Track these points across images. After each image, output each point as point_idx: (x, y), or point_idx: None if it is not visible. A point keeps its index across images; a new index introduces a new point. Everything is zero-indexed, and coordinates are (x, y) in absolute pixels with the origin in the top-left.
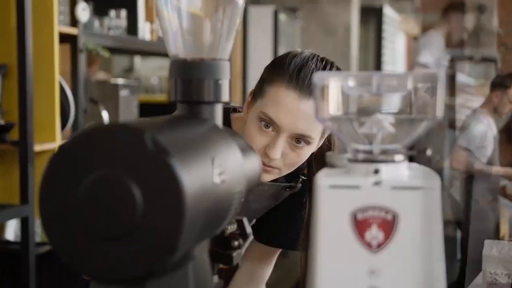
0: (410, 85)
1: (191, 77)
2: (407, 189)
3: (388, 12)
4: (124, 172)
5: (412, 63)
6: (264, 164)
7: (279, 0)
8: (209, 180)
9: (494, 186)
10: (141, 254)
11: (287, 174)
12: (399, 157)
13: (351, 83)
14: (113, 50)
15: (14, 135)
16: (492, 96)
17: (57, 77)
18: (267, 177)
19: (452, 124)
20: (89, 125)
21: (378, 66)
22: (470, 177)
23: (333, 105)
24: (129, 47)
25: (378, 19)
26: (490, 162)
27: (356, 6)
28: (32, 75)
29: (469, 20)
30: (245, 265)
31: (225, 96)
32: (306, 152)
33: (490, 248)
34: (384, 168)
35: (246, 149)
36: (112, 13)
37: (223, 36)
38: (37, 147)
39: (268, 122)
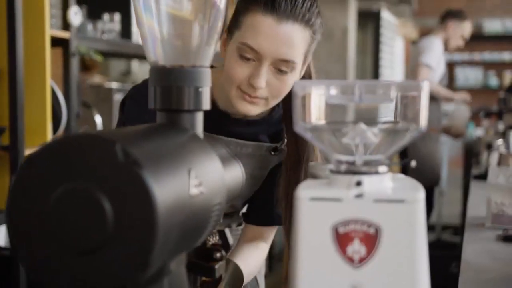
0: (393, 94)
1: (171, 84)
2: (390, 202)
3: (386, 16)
4: (94, 184)
5: (412, 63)
6: (249, 95)
7: None
8: (185, 192)
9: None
10: (112, 269)
11: (271, 136)
12: (382, 168)
13: (333, 92)
14: (107, 54)
15: (4, 139)
16: (447, 27)
17: (49, 81)
18: (254, 109)
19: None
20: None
21: (376, 70)
22: None
23: (315, 114)
24: (122, 51)
25: (376, 23)
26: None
27: (353, 10)
28: (23, 79)
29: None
30: (240, 248)
31: (205, 104)
32: (290, 79)
33: (496, 176)
34: (366, 180)
35: (227, 158)
36: (106, 16)
37: (203, 42)
38: (28, 152)
39: (248, 52)
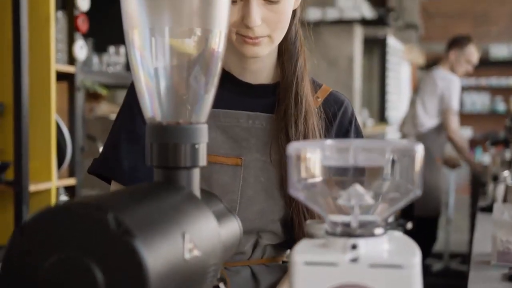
0: (387, 157)
1: (167, 141)
2: (386, 267)
3: (392, 42)
4: (86, 254)
5: (423, 93)
6: (250, 37)
7: None
8: (179, 258)
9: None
10: None
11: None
12: (378, 230)
13: (327, 153)
14: (113, 86)
15: (9, 174)
16: (449, 55)
17: (54, 116)
18: (261, 50)
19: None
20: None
21: (382, 96)
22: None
23: (309, 175)
24: (128, 83)
25: (382, 50)
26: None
27: (359, 37)
28: (28, 114)
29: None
30: None
31: (202, 160)
32: (286, 6)
33: (501, 212)
34: (362, 243)
35: (224, 213)
36: (112, 49)
37: (200, 98)
38: (33, 187)
39: None
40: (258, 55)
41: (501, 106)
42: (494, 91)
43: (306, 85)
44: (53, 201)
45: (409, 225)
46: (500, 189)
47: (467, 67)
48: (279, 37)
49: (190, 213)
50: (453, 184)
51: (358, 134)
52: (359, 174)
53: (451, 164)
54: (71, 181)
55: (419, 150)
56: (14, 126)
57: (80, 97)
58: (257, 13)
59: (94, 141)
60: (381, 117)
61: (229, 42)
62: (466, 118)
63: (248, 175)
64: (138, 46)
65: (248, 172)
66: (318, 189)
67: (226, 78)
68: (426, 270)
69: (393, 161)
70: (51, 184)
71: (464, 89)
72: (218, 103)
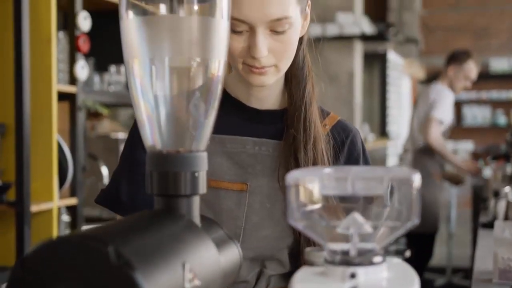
0: (385, 186)
1: (167, 170)
2: None
3: (392, 57)
4: (87, 286)
5: (419, 109)
6: (256, 67)
7: None
8: None
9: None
10: None
11: None
12: (377, 258)
13: (326, 182)
14: (114, 104)
15: (10, 195)
16: (448, 70)
17: (55, 136)
18: (268, 79)
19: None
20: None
21: (383, 110)
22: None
23: (307, 204)
24: (129, 102)
25: (382, 64)
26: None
27: (359, 53)
28: (30, 134)
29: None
30: None
31: (202, 188)
32: (292, 35)
33: (502, 230)
34: (361, 272)
35: (224, 240)
36: (112, 68)
37: (200, 126)
38: (34, 208)
39: (238, 26)
40: (264, 84)
41: (502, 119)
42: (495, 104)
43: (314, 110)
44: (54, 221)
45: (408, 253)
46: (501, 205)
47: (466, 83)
48: (285, 66)
49: (190, 242)
50: (455, 198)
51: (367, 164)
52: (358, 203)
53: (455, 181)
54: (72, 201)
55: (417, 179)
56: (16, 146)
57: (81, 116)
58: (263, 43)
59: (95, 160)
60: (382, 132)
61: (235, 69)
62: (467, 131)
63: (254, 201)
64: (138, 76)
65: (254, 198)
66: (317, 218)
67: (233, 104)
68: (429, 285)
69: (391, 190)
70: (52, 204)
71: (465, 102)
72: (225, 129)
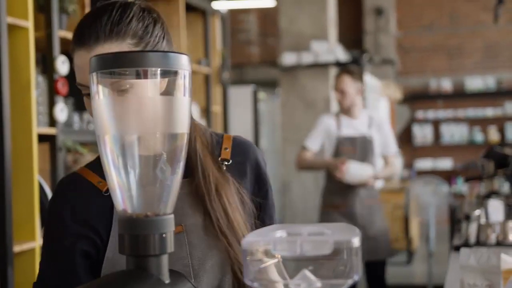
0: (329, 249)
1: (137, 233)
2: None
3: (369, 79)
4: None
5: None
6: None
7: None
8: None
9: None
10: None
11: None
12: None
13: (277, 246)
14: (94, 143)
15: None
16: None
17: (36, 177)
18: None
19: None
20: None
21: None
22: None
23: (262, 264)
24: None
25: None
26: None
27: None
28: (11, 176)
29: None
30: None
31: (170, 247)
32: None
33: (467, 257)
34: None
35: None
36: None
37: (167, 191)
38: (17, 248)
39: (86, 90)
40: None
41: (479, 137)
42: (472, 122)
43: (208, 160)
44: (37, 260)
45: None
46: (473, 228)
47: (337, 96)
48: None
49: None
50: (433, 217)
51: (265, 178)
52: (308, 261)
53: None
54: None
55: (356, 241)
56: None
57: (61, 157)
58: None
59: None
60: None
61: None
62: (445, 149)
63: (193, 238)
64: (109, 148)
65: (192, 235)
66: (270, 276)
67: None
68: None
69: (335, 251)
70: (35, 244)
71: (443, 120)
72: None
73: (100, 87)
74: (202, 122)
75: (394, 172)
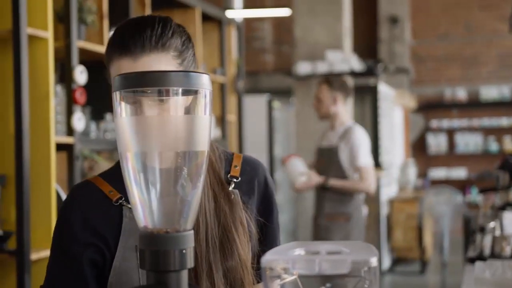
0: (347, 268)
1: (158, 248)
2: None
3: (383, 88)
4: None
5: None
6: None
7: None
8: None
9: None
10: None
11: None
12: None
13: (296, 264)
14: (111, 150)
15: (11, 244)
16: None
17: (54, 186)
18: None
19: None
20: None
21: (375, 141)
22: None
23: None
24: None
25: (373, 96)
26: None
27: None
28: (30, 185)
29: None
30: None
31: (190, 263)
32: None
33: (482, 271)
34: None
35: None
36: (109, 116)
37: (187, 207)
38: (34, 255)
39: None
40: None
41: (494, 146)
42: (487, 131)
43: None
44: None
45: None
46: (487, 241)
47: (314, 103)
48: None
49: None
50: (447, 227)
51: (272, 198)
52: (326, 279)
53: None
54: None
55: (374, 261)
56: (16, 197)
57: (78, 166)
58: (149, 113)
59: None
60: (375, 163)
61: None
62: (459, 158)
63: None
64: (131, 166)
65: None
66: None
67: None
68: None
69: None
70: None
71: (457, 130)
72: None
73: (123, 105)
74: (217, 131)
75: (360, 187)
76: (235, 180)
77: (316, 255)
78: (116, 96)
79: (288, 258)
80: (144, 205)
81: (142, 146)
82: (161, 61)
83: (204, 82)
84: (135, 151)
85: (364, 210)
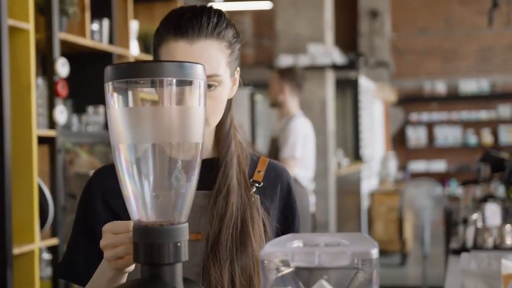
0: (347, 260)
1: (152, 242)
2: None
3: (364, 82)
4: None
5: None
6: None
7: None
8: None
9: None
10: None
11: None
12: None
13: (295, 258)
14: (92, 143)
15: None
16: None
17: (36, 179)
18: None
19: None
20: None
21: (356, 134)
22: None
23: (279, 274)
24: (106, 141)
25: (354, 90)
26: None
27: (331, 82)
28: (11, 178)
29: None
30: None
31: (184, 256)
32: (221, 93)
33: (468, 262)
34: None
35: None
36: (90, 109)
37: (180, 199)
38: (16, 250)
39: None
40: None
41: (472, 139)
42: (465, 124)
43: (234, 165)
44: (36, 262)
45: None
46: (470, 232)
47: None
48: (214, 121)
49: None
50: (428, 220)
51: (294, 205)
52: (325, 271)
53: None
54: (53, 241)
55: (374, 253)
56: None
57: (60, 159)
58: None
59: (74, 198)
60: (356, 156)
61: None
62: (439, 151)
63: (207, 248)
64: (124, 158)
65: (207, 245)
66: (289, 286)
67: None
68: None
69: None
70: (34, 246)
71: (436, 123)
72: None
73: (116, 96)
74: None
75: None
76: (257, 185)
77: (315, 247)
78: (108, 86)
79: (288, 251)
80: (137, 198)
81: (134, 138)
82: (215, 48)
83: (199, 73)
84: (128, 143)
85: (311, 199)
